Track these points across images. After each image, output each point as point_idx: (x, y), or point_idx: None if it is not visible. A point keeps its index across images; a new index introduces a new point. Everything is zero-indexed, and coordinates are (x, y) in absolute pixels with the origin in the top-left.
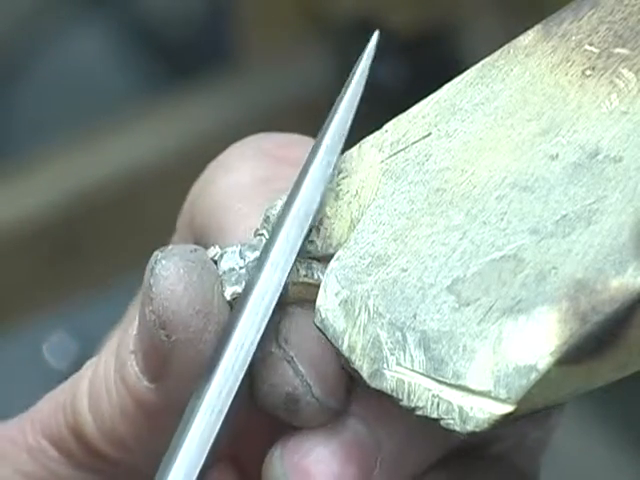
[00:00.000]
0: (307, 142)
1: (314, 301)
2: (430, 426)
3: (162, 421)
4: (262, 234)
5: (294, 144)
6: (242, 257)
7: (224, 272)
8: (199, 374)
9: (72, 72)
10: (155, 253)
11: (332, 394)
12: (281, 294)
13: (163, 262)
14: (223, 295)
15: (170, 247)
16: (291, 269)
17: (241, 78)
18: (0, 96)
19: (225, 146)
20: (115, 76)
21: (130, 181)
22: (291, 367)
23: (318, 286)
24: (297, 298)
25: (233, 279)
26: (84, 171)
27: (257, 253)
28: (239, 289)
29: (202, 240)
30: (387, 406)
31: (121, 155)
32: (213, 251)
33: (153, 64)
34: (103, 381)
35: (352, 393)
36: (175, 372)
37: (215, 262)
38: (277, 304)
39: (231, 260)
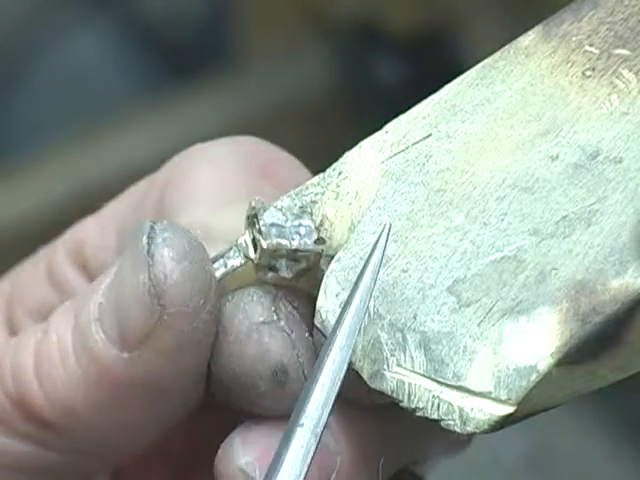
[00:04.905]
0: (294, 163)
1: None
2: (395, 435)
3: (129, 392)
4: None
5: (283, 164)
6: (284, 216)
7: (265, 225)
8: (184, 353)
9: (72, 72)
10: (149, 223)
11: None
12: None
13: (167, 234)
14: (217, 280)
15: (168, 222)
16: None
17: (241, 78)
18: (0, 96)
19: None
20: (115, 76)
21: (130, 181)
22: (290, 340)
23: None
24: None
25: (275, 231)
26: (84, 171)
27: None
28: (282, 242)
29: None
30: (354, 415)
31: (121, 155)
32: (253, 203)
33: (153, 64)
34: (56, 348)
35: None
36: (161, 345)
37: (255, 216)
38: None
39: (273, 217)
